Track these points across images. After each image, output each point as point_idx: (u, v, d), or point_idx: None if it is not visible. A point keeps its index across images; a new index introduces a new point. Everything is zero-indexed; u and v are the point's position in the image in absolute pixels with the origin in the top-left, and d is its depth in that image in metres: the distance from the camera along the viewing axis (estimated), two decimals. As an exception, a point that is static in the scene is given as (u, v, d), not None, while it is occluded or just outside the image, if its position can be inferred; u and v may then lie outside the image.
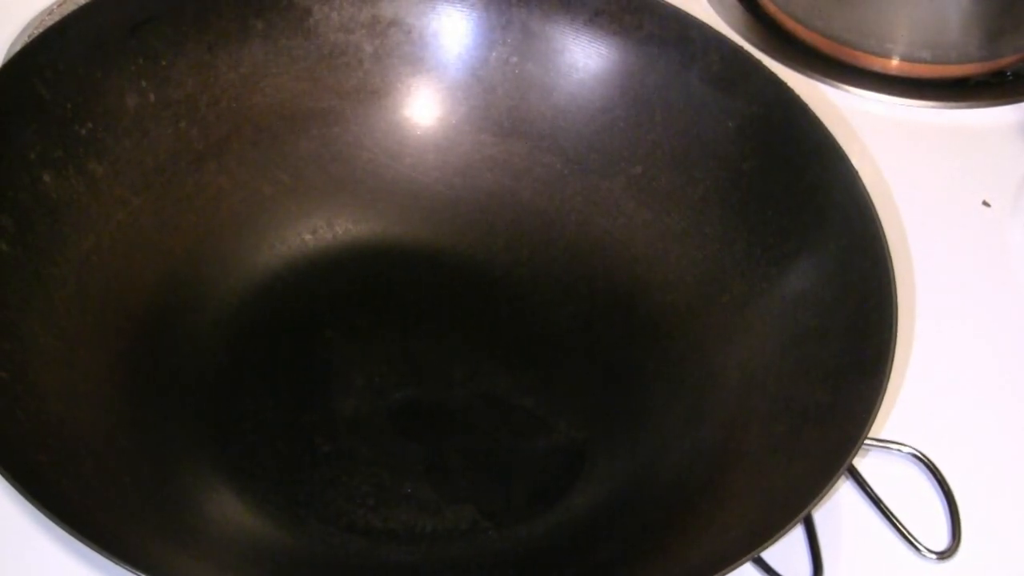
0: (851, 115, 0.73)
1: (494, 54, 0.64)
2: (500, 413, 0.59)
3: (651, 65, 0.63)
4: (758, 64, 0.62)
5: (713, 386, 0.58)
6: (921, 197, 0.70)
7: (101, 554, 0.45)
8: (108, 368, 0.55)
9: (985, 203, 0.71)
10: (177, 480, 0.54)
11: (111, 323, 0.56)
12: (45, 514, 0.45)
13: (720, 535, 0.51)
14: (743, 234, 0.60)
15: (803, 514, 0.48)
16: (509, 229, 0.64)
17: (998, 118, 0.75)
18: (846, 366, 0.54)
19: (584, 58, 0.64)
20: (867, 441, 0.52)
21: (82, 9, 0.58)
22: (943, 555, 0.56)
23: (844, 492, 0.57)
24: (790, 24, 0.79)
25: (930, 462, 0.58)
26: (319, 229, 0.63)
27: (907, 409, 0.61)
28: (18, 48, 0.67)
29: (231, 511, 0.54)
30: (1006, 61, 0.78)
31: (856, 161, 0.58)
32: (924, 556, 0.56)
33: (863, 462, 0.58)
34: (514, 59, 0.64)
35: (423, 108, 0.65)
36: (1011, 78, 0.78)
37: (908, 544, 0.56)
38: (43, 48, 0.57)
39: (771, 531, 0.47)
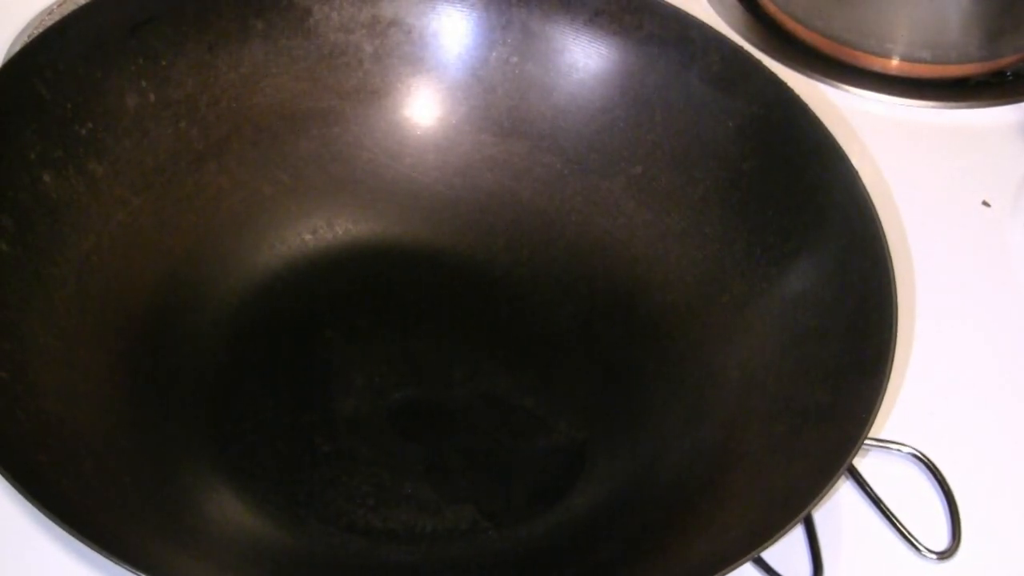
0: (851, 115, 0.73)
1: (494, 54, 0.64)
2: (500, 413, 0.59)
3: (651, 65, 0.63)
4: (758, 64, 0.62)
5: (713, 386, 0.58)
6: (921, 197, 0.70)
7: (101, 554, 0.45)
8: (108, 368, 0.55)
9: (985, 203, 0.71)
10: (177, 480, 0.54)
11: (111, 323, 0.56)
12: (45, 514, 0.45)
13: (720, 535, 0.51)
14: (743, 234, 0.60)
15: (803, 514, 0.48)
16: (509, 229, 0.64)
17: (998, 118, 0.75)
18: (846, 366, 0.54)
19: (584, 58, 0.64)
20: (867, 441, 0.52)
21: (82, 9, 0.58)
22: (943, 555, 0.56)
23: (844, 492, 0.57)
24: (790, 24, 0.79)
25: (930, 462, 0.58)
26: (319, 229, 0.63)
27: (907, 409, 0.61)
28: (18, 48, 0.67)
29: (231, 511, 0.54)
30: (1006, 61, 0.78)
31: (856, 161, 0.58)
32: (924, 556, 0.56)
33: (863, 462, 0.58)
34: (514, 59, 0.64)
35: (423, 108, 0.65)
36: (1011, 78, 0.78)
37: (908, 544, 0.56)
38: (43, 48, 0.57)
39: (771, 531, 0.47)
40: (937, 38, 0.77)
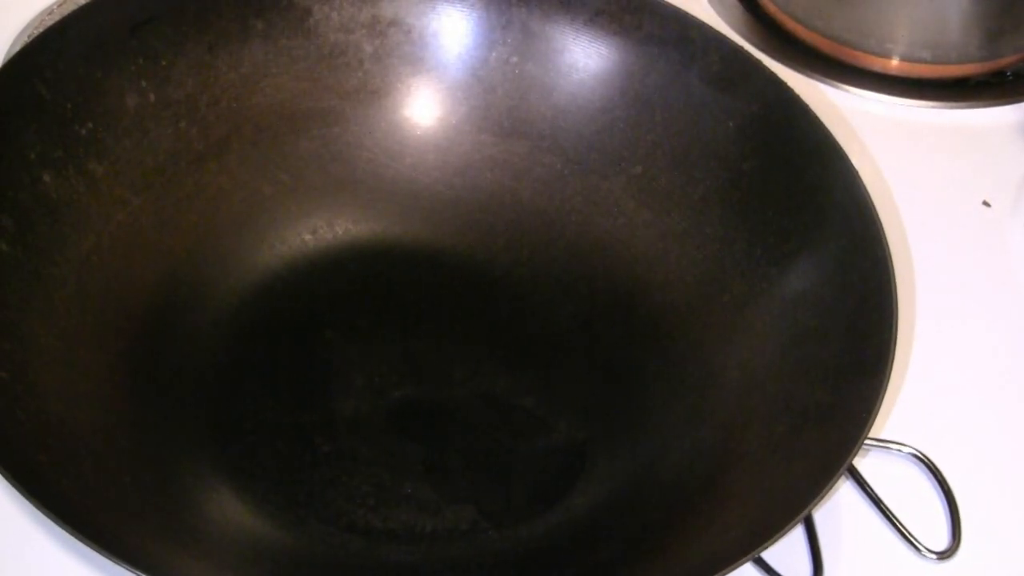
0: (851, 115, 0.73)
1: (494, 54, 0.64)
2: (500, 413, 0.59)
3: (651, 65, 0.63)
4: (758, 64, 0.62)
5: (713, 386, 0.58)
6: (921, 197, 0.70)
7: (101, 554, 0.45)
8: (108, 368, 0.55)
9: (985, 203, 0.71)
10: (177, 480, 0.54)
11: (111, 323, 0.56)
12: (45, 514, 0.45)
13: (720, 535, 0.51)
14: (743, 234, 0.60)
15: (803, 514, 0.48)
16: (509, 229, 0.64)
17: (998, 118, 0.75)
18: (846, 366, 0.54)
19: (584, 58, 0.64)
20: (867, 441, 0.52)
21: (82, 9, 0.58)
22: (943, 555, 0.56)
23: (844, 492, 0.57)
24: (790, 24, 0.79)
25: (930, 462, 0.58)
26: (319, 229, 0.63)
27: (907, 409, 0.61)
28: (18, 48, 0.67)
29: (231, 511, 0.54)
30: (1006, 61, 0.78)
31: (856, 161, 0.58)
32: (924, 556, 0.56)
33: (863, 462, 0.58)
34: (514, 59, 0.64)
35: (423, 108, 0.65)
36: (1011, 78, 0.78)
37: (908, 544, 0.56)
38: (43, 48, 0.57)
39: (771, 531, 0.47)
40: (937, 38, 0.77)
